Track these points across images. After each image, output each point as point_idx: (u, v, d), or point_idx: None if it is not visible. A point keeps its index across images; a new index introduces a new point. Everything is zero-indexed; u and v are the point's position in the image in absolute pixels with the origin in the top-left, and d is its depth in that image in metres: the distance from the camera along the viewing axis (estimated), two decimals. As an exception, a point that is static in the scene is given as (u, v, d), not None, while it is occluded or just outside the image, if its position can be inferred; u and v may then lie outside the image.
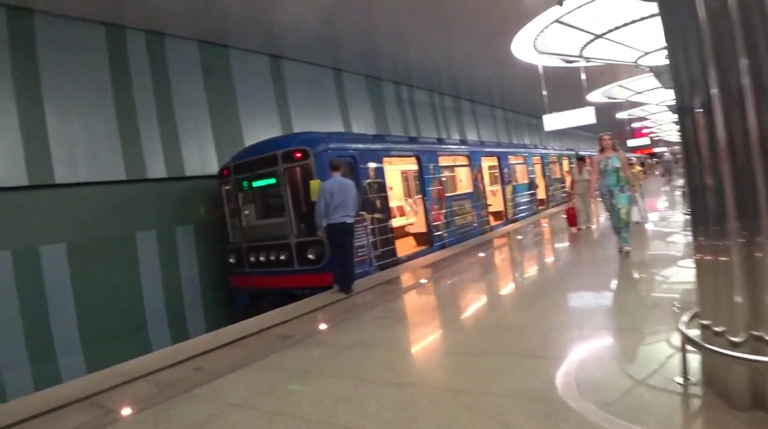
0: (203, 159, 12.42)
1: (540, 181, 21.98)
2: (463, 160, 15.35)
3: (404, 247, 12.26)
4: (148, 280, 11.04)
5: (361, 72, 18.70)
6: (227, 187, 11.13)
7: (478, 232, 15.03)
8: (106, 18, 10.98)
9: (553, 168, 24.30)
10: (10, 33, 9.58)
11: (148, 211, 11.22)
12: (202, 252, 12.03)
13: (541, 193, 21.96)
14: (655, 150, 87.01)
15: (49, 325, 9.52)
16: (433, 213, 12.77)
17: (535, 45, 19.16)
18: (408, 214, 16.47)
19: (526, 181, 20.01)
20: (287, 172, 9.85)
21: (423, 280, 9.49)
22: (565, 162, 26.68)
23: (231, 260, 11.13)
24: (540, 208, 21.37)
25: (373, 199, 10.64)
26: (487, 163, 16.90)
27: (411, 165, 16.69)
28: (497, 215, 17.16)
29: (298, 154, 9.63)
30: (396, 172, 15.69)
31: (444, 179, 13.81)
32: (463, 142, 16.76)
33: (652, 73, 24.24)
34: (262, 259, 10.39)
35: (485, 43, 17.68)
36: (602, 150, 9.31)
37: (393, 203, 13.12)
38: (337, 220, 8.67)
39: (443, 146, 14.56)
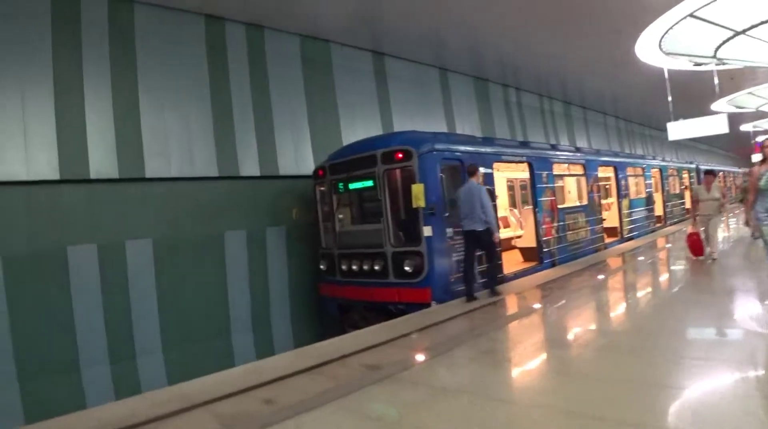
0: (298, 158, 11.77)
1: (658, 196, 19.96)
2: (578, 170, 13.89)
3: (511, 262, 11.06)
4: (235, 282, 10.48)
5: (468, 72, 17.63)
6: (322, 188, 10.36)
7: (591, 250, 13.54)
8: (206, 9, 10.56)
9: (672, 182, 22.11)
10: (110, 23, 9.32)
11: (239, 210, 10.66)
12: (294, 255, 11.36)
13: (658, 209, 19.94)
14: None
15: (131, 323, 9.12)
16: (544, 226, 11.47)
17: (661, 45, 17.38)
18: (513, 225, 15.20)
19: (643, 195, 18.15)
20: (387, 175, 8.93)
21: (534, 305, 8.24)
22: (685, 176, 24.33)
23: (321, 267, 10.35)
24: (657, 225, 19.39)
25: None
26: (602, 173, 15.30)
27: (519, 172, 15.59)
28: (611, 232, 15.51)
29: (400, 155, 8.68)
30: (501, 179, 14.48)
31: (557, 189, 12.43)
32: (578, 149, 15.25)
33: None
34: (354, 267, 9.53)
35: (605, 42, 16.16)
36: (764, 160, 7.50)
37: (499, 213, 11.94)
38: (467, 228, 8.59)
39: (558, 153, 13.19)
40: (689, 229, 10.85)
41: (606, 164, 15.39)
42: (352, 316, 9.70)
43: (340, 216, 10.19)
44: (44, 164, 8.38)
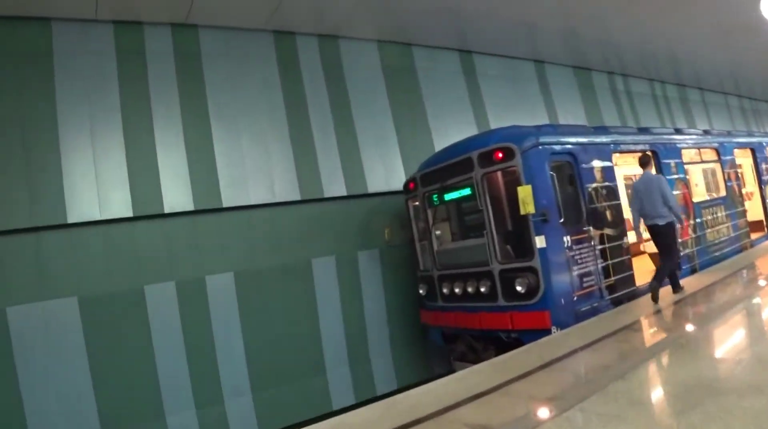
0: (388, 172, 10.72)
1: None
2: (711, 155, 11.91)
3: (642, 271, 9.40)
4: (327, 313, 9.52)
5: (567, 63, 15.99)
6: (415, 203, 9.23)
7: (736, 249, 11.49)
8: (273, 24, 9.83)
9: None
10: (175, 52, 8.84)
11: (326, 234, 9.73)
12: (390, 280, 10.26)
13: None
14: None
15: (216, 364, 8.35)
16: (678, 226, 9.71)
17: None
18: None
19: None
20: (486, 179, 7.64)
21: (683, 326, 6.61)
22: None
23: (421, 291, 9.16)
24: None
25: (602, 209, 8.01)
26: (739, 158, 13.13)
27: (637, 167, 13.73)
28: (756, 226, 13.24)
29: (500, 154, 7.38)
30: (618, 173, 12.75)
31: (689, 180, 10.61)
32: (706, 132, 13.20)
33: None
34: (456, 290, 8.27)
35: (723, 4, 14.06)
36: None
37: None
38: (648, 223, 8.04)
39: (685, 137, 11.29)
40: None
41: (742, 146, 13.22)
42: (459, 347, 8.44)
43: (438, 232, 8.99)
44: (118, 202, 7.92)
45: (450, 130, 11.71)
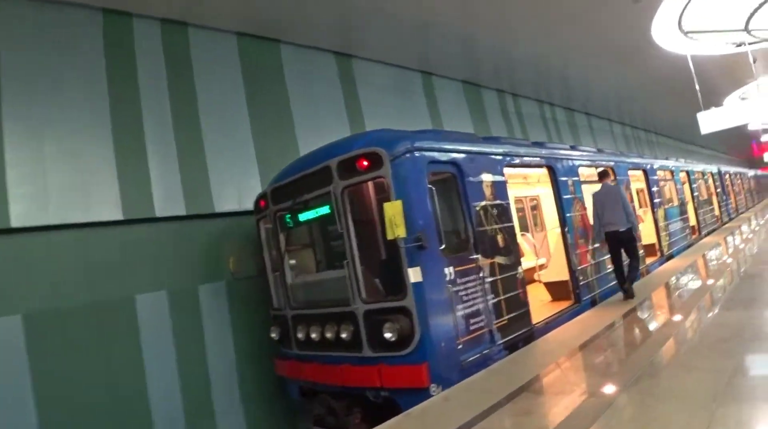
0: (242, 187, 8.83)
1: (689, 204, 17.00)
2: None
3: (535, 306, 8.06)
4: (156, 363, 7.39)
5: (457, 77, 14.86)
6: (267, 225, 7.38)
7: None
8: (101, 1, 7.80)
9: (700, 186, 19.14)
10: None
11: (157, 264, 7.69)
12: (241, 320, 8.33)
13: (692, 219, 16.94)
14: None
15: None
16: (578, 251, 8.46)
17: (681, 24, 14.73)
18: (527, 253, 12.19)
19: (676, 203, 15.19)
20: (348, 194, 5.94)
21: (593, 385, 5.17)
22: (710, 180, 21.40)
23: (273, 335, 7.29)
24: (693, 237, 16.37)
25: (492, 233, 6.52)
26: (632, 179, 12.36)
27: (529, 187, 12.63)
28: (648, 250, 12.45)
29: (364, 162, 5.70)
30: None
31: (586, 201, 9.51)
32: (599, 150, 12.33)
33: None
34: (313, 335, 6.49)
35: (615, 26, 13.55)
36: None
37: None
38: (610, 230, 8.32)
39: (582, 153, 10.22)
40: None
41: (635, 167, 12.45)
42: (317, 408, 6.60)
43: (292, 261, 7.17)
44: None
45: (321, 141, 9.90)
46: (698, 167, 20.06)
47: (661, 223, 12.98)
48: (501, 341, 6.21)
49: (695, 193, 17.84)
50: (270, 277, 7.41)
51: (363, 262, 5.92)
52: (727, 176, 25.78)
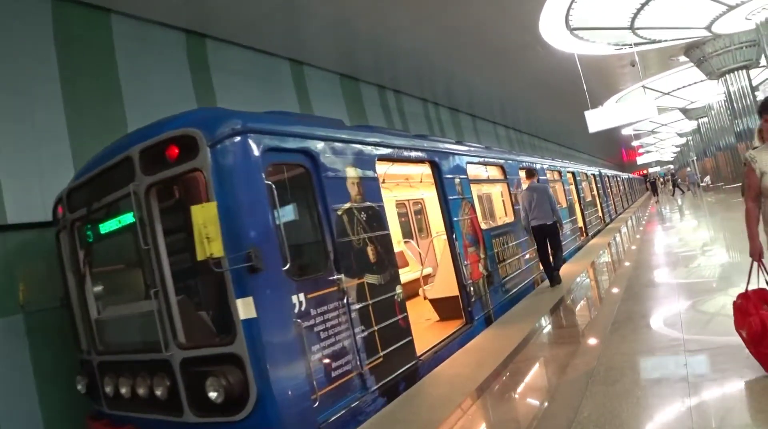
0: (47, 189, 6.73)
1: (577, 205, 16.57)
2: (497, 173, 9.86)
3: (419, 330, 6.68)
4: None
5: (333, 69, 13.42)
6: (66, 239, 5.46)
7: (528, 287, 9.47)
8: None
9: (585, 188, 18.89)
10: None
11: None
12: (49, 366, 6.28)
13: (579, 221, 16.50)
14: (650, 170, 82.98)
15: None
16: (467, 262, 7.16)
17: (569, 22, 14.19)
18: (412, 262, 10.93)
19: (565, 205, 14.57)
20: (156, 194, 4.23)
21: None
22: (592, 182, 21.39)
23: (79, 387, 5.40)
24: (581, 239, 15.90)
25: (360, 244, 5.00)
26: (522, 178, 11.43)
27: (413, 189, 11.35)
28: (539, 255, 11.58)
29: (175, 150, 4.03)
30: (388, 201, 10.21)
31: (476, 202, 8.32)
32: (488, 148, 11.28)
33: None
34: (123, 390, 4.70)
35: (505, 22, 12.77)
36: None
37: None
38: (536, 223, 8.81)
39: (470, 149, 9.00)
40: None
41: (526, 167, 11.52)
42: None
43: (96, 289, 5.30)
44: None
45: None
46: (583, 169, 19.89)
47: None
48: (376, 386, 4.71)
49: (581, 195, 17.49)
50: (74, 309, 5.50)
51: (181, 291, 4.23)
52: (607, 179, 26.19)
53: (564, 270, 10.15)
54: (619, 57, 18.35)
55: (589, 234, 17.18)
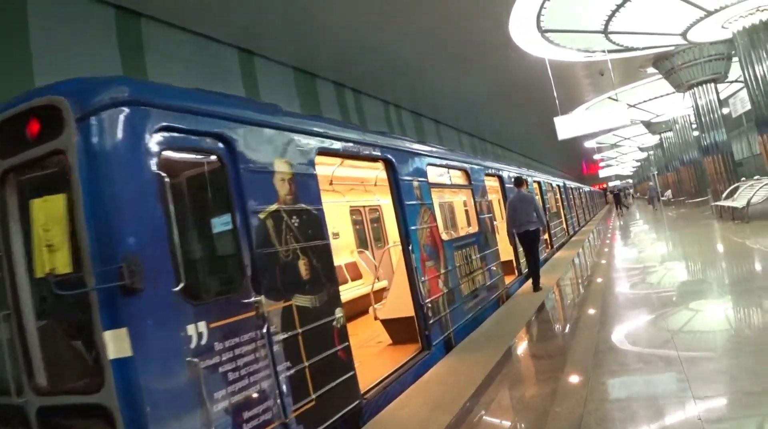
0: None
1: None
2: (460, 178, 9.00)
3: (368, 356, 5.71)
4: None
5: (286, 62, 12.43)
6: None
7: (493, 304, 8.60)
8: None
9: (550, 199, 18.21)
10: None
11: None
12: None
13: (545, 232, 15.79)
14: (611, 184, 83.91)
15: None
16: (425, 279, 6.22)
17: (540, 23, 13.48)
18: (366, 275, 10.00)
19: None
20: (12, 182, 3.18)
21: None
22: (557, 193, 20.80)
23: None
24: (547, 251, 15.18)
25: (289, 256, 4.00)
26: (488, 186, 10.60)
27: (368, 196, 10.42)
28: (508, 267, 10.75)
29: (35, 125, 3.01)
30: (335, 208, 9.26)
31: (436, 210, 7.40)
32: (452, 150, 10.39)
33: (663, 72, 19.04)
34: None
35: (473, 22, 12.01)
36: None
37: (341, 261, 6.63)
38: (521, 230, 9.36)
39: (432, 150, 8.06)
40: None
41: (492, 174, 10.70)
42: None
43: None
44: None
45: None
46: (549, 179, 19.24)
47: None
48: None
49: (547, 205, 16.80)
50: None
51: (44, 315, 3.18)
52: (571, 191, 25.72)
53: (529, 292, 9.38)
54: (588, 65, 17.79)
55: (554, 246, 16.48)
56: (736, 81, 23.19)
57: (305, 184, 4.28)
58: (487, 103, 21.14)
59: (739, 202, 14.82)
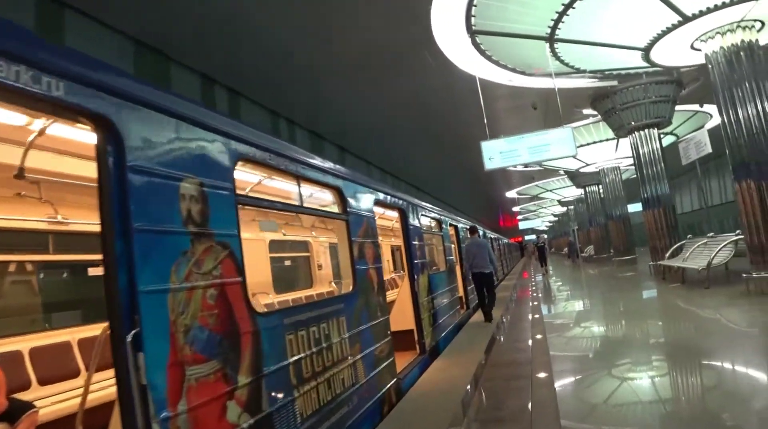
0: None
1: (458, 267, 12.73)
2: (329, 205, 5.64)
3: None
4: None
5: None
6: None
7: (370, 413, 5.09)
8: None
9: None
10: None
11: None
12: None
13: (460, 289, 12.62)
14: (527, 238, 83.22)
15: None
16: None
17: (473, 21, 10.53)
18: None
19: (443, 267, 10.70)
20: None
21: None
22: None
23: None
24: (462, 313, 12.02)
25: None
26: (380, 223, 7.31)
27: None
28: (403, 341, 7.39)
29: None
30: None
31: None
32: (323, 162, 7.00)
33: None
34: None
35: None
36: None
37: None
38: (477, 271, 10.51)
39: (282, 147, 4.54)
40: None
41: (388, 203, 7.39)
42: None
43: None
44: None
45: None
46: (465, 223, 16.15)
47: (424, 297, 8.09)
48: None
49: (463, 255, 13.59)
50: None
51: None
52: (491, 241, 22.91)
53: (442, 379, 6.00)
54: (520, 95, 15.19)
55: (470, 306, 13.30)
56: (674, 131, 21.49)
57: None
58: (401, 127, 18.15)
59: (694, 262, 12.31)
